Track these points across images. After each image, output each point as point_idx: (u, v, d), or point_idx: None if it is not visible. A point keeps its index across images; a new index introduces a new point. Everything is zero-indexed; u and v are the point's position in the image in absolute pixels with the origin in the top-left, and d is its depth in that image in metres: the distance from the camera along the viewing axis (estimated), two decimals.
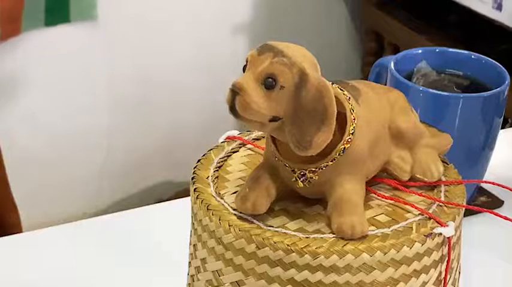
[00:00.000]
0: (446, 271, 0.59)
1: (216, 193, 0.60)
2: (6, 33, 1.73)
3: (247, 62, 0.55)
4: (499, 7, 1.61)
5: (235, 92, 0.54)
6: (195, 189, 0.60)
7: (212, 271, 0.59)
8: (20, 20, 1.73)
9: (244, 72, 0.55)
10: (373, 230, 0.57)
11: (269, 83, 0.54)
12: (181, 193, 1.89)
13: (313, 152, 0.55)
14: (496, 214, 0.63)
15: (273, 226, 0.57)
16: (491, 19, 1.64)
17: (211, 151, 0.65)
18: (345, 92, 0.58)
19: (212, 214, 0.58)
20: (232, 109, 0.55)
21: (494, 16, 1.63)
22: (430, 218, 0.58)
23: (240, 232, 0.56)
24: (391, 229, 0.57)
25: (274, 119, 0.55)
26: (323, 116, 0.54)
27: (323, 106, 0.54)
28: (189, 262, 0.63)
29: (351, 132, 0.57)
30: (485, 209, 0.65)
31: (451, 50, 0.90)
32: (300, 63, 0.54)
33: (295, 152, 0.55)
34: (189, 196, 0.62)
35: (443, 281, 0.59)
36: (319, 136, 0.54)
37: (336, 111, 0.55)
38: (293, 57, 0.54)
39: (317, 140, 0.54)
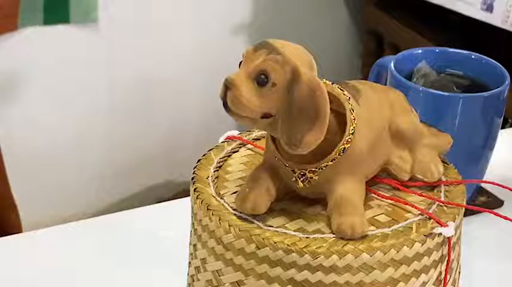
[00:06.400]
0: (446, 271, 0.59)
1: (216, 193, 0.60)
2: (1, 28, 1.73)
3: (243, 57, 0.55)
4: (489, 8, 1.60)
5: (228, 87, 0.54)
6: (195, 189, 0.61)
7: (212, 271, 0.59)
8: (16, 16, 1.73)
9: (240, 67, 0.55)
10: (373, 230, 0.57)
11: (261, 79, 0.54)
12: (181, 193, 1.89)
13: (303, 151, 0.55)
14: (496, 214, 0.63)
15: (273, 226, 0.57)
16: (480, 21, 1.63)
17: (211, 151, 0.65)
18: (345, 92, 0.58)
19: (212, 214, 0.58)
20: (225, 104, 0.55)
21: (484, 18, 1.62)
22: (430, 218, 0.58)
23: (240, 232, 0.56)
24: (391, 229, 0.57)
25: (265, 116, 0.55)
26: (315, 116, 0.54)
27: (315, 106, 0.54)
28: (189, 262, 0.63)
29: (351, 132, 0.57)
30: (485, 209, 0.65)
31: (451, 50, 0.90)
32: (294, 62, 0.54)
33: (286, 149, 0.55)
34: (189, 196, 0.62)
35: (443, 281, 0.59)
36: (309, 135, 0.54)
37: (328, 111, 0.55)
38: (287, 55, 0.54)
39: (307, 139, 0.54)
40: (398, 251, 0.55)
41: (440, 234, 0.57)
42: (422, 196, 0.61)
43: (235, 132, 0.68)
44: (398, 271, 0.56)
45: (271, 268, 0.56)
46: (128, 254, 0.85)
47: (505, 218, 0.63)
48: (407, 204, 0.59)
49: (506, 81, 0.84)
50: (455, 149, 0.66)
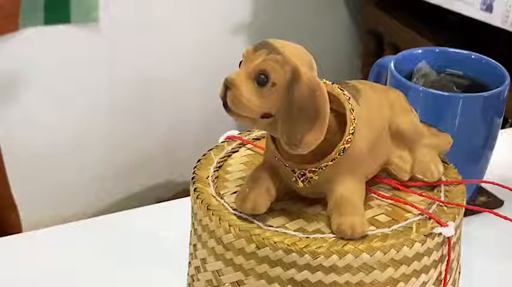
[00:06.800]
0: (446, 271, 0.59)
1: (216, 193, 0.60)
2: (2, 28, 1.73)
3: (243, 57, 0.55)
4: (489, 8, 1.60)
5: (228, 87, 0.54)
6: (195, 189, 0.61)
7: (212, 271, 0.59)
8: (17, 16, 1.73)
9: (240, 67, 0.55)
10: (373, 230, 0.57)
11: (261, 79, 0.54)
12: (181, 193, 1.89)
13: (304, 151, 0.55)
14: (496, 214, 0.63)
15: (273, 226, 0.57)
16: (480, 21, 1.63)
17: (211, 151, 0.65)
18: (345, 92, 0.58)
19: (212, 214, 0.58)
20: (225, 104, 0.55)
21: (484, 18, 1.62)
22: (430, 218, 0.58)
23: (240, 232, 0.56)
24: (391, 229, 0.57)
25: (265, 116, 0.55)
26: (315, 116, 0.54)
27: (315, 105, 0.54)
28: (189, 262, 0.63)
29: (351, 132, 0.57)
30: (485, 209, 0.65)
31: (451, 50, 0.90)
32: (293, 62, 0.54)
33: (286, 149, 0.55)
34: (189, 196, 0.62)
35: (443, 281, 0.59)
36: (310, 135, 0.54)
37: (328, 111, 0.55)
38: (287, 55, 0.54)
39: (307, 139, 0.54)
40: (398, 251, 0.55)
41: (440, 234, 0.57)
42: (422, 196, 0.61)
43: (235, 132, 0.68)
44: (398, 271, 0.56)
45: (271, 268, 0.56)
46: (128, 254, 0.85)
47: (505, 218, 0.63)
48: (407, 204, 0.59)
49: (506, 81, 0.84)
50: (455, 149, 0.66)
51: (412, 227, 0.57)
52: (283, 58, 0.54)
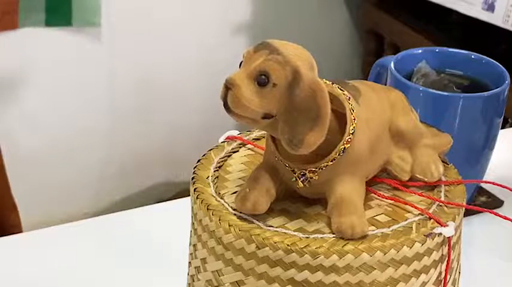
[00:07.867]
0: (446, 271, 0.59)
1: (216, 193, 0.60)
2: (0, 25, 1.73)
3: (244, 58, 0.55)
4: (491, 8, 1.60)
5: (228, 87, 0.54)
6: (195, 189, 0.61)
7: (212, 271, 0.59)
8: (16, 14, 1.73)
9: (240, 68, 0.55)
10: (373, 230, 0.57)
11: (261, 79, 0.54)
12: (181, 193, 1.89)
13: (305, 151, 0.55)
14: (496, 214, 0.63)
15: (273, 226, 0.57)
16: (481, 21, 1.63)
17: (211, 151, 0.65)
18: (345, 92, 0.58)
19: (212, 214, 0.58)
20: (225, 104, 0.55)
21: (485, 17, 1.62)
22: (430, 218, 0.58)
23: (240, 232, 0.56)
24: (391, 229, 0.57)
25: (266, 116, 0.55)
26: (316, 116, 0.54)
27: (316, 106, 0.54)
28: (189, 262, 0.63)
29: (351, 132, 0.57)
30: (485, 209, 0.65)
31: (451, 50, 0.90)
32: (294, 62, 0.54)
33: (286, 150, 0.55)
34: (189, 196, 0.62)
35: (443, 281, 0.59)
36: (310, 135, 0.54)
37: (329, 112, 0.55)
38: (287, 55, 0.54)
39: (309, 140, 0.54)
40: (398, 251, 0.55)
41: (440, 234, 0.57)
42: (422, 196, 0.61)
43: (235, 132, 0.68)
44: (399, 271, 0.56)
45: (271, 268, 0.56)
46: (128, 254, 0.85)
47: (505, 218, 0.63)
48: (407, 204, 0.59)
49: (506, 81, 0.84)
50: (455, 149, 0.66)
51: (412, 227, 0.57)
52: (284, 58, 0.54)
